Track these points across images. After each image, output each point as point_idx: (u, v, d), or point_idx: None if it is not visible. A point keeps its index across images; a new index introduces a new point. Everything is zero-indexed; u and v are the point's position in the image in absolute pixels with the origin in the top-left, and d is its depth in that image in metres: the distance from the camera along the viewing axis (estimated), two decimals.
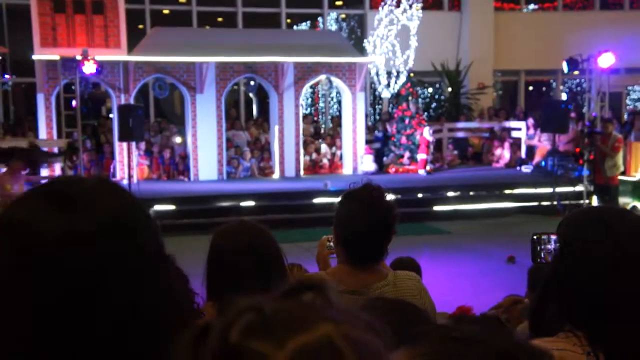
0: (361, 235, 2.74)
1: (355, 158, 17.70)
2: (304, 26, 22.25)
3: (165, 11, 21.09)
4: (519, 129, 19.19)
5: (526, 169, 17.89)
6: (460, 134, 20.31)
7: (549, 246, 4.07)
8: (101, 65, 14.71)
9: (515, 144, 19.09)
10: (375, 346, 0.83)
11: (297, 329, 0.79)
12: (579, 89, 21.80)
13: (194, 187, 15.76)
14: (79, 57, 14.55)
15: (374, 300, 1.98)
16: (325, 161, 18.09)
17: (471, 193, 15.50)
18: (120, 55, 15.67)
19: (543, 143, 17.94)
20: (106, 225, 1.13)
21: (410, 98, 18.32)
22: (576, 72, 17.33)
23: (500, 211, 14.89)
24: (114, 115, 15.93)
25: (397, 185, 14.20)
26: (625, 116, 20.15)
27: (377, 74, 19.69)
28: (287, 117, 17.02)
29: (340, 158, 18.12)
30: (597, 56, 15.34)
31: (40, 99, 15.68)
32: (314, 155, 18.09)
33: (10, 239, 1.14)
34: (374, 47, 19.55)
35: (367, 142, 18.07)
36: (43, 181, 8.33)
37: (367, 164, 17.75)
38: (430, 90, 21.70)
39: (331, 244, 3.40)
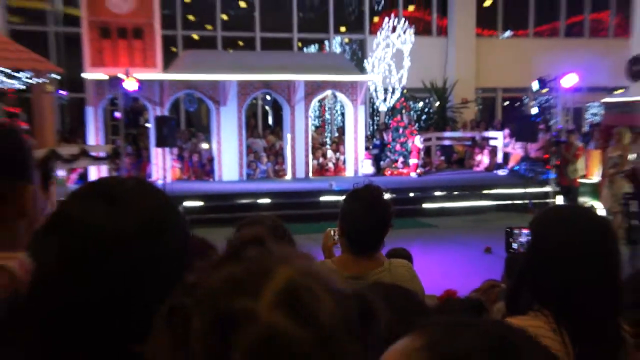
0: (363, 228, 2.74)
1: (356, 162, 17.68)
2: (313, 49, 22.22)
3: (195, 36, 21.11)
4: (496, 138, 19.13)
5: (502, 172, 17.84)
6: (446, 142, 20.26)
7: (520, 238, 4.08)
8: (140, 82, 14.78)
9: (493, 151, 19.04)
10: (323, 271, 0.82)
11: (261, 279, 0.77)
12: (547, 104, 21.68)
13: (218, 187, 15.76)
14: (121, 76, 14.60)
15: (373, 285, 1.98)
16: (330, 165, 18.08)
17: (455, 193, 15.45)
18: (156, 74, 15.69)
19: (517, 150, 17.89)
20: (142, 224, 1.10)
21: (403, 111, 18.31)
22: (545, 90, 17.29)
23: (480, 208, 14.85)
24: (150, 125, 15.96)
25: (392, 186, 14.13)
26: (586, 128, 20.09)
27: (376, 90, 19.66)
28: (298, 126, 17.02)
29: (344, 162, 18.10)
30: (562, 77, 15.45)
31: (90, 111, 15.75)
32: (321, 160, 18.08)
33: (61, 234, 1.10)
34: (372, 67, 19.53)
35: (367, 148, 18.06)
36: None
37: (367, 167, 17.75)
38: (421, 104, 21.64)
39: (335, 235, 3.40)
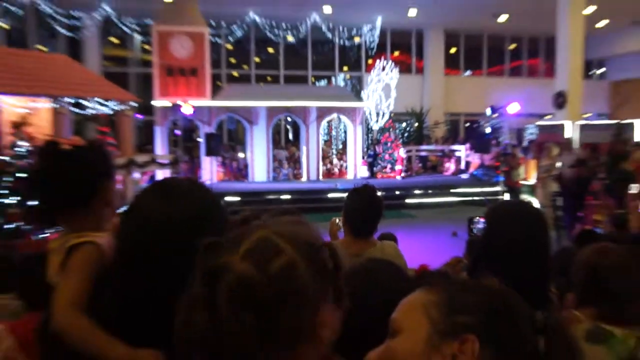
0: (361, 218, 2.73)
1: (356, 168, 17.65)
2: (323, 83, 22.23)
3: (235, 74, 21.22)
4: (460, 150, 19.05)
5: (465, 176, 17.75)
6: (423, 153, 20.16)
7: (478, 225, 4.05)
8: (194, 108, 14.85)
9: (458, 160, 18.95)
10: (304, 234, 0.80)
11: (242, 239, 0.77)
12: (497, 125, 21.57)
13: (251, 186, 15.76)
14: (180, 103, 14.68)
15: (368, 260, 1.98)
16: (336, 170, 18.06)
17: (430, 191, 15.39)
18: (206, 101, 15.73)
19: (475, 159, 17.81)
20: (192, 213, 1.09)
21: (390, 130, 18.25)
22: (495, 115, 17.33)
23: (448, 203, 14.79)
24: (201, 140, 16.00)
25: (383, 186, 14.11)
26: (525, 143, 19.92)
27: (370, 114, 19.60)
28: (311, 141, 17.00)
29: (346, 168, 18.07)
30: (508, 105, 15.66)
31: (157, 130, 15.80)
32: (329, 166, 18.07)
33: (129, 218, 1.11)
34: (367, 96, 19.47)
35: (363, 157, 18.03)
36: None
37: (363, 171, 17.71)
38: (404, 124, 21.55)
39: (339, 223, 3.39)
